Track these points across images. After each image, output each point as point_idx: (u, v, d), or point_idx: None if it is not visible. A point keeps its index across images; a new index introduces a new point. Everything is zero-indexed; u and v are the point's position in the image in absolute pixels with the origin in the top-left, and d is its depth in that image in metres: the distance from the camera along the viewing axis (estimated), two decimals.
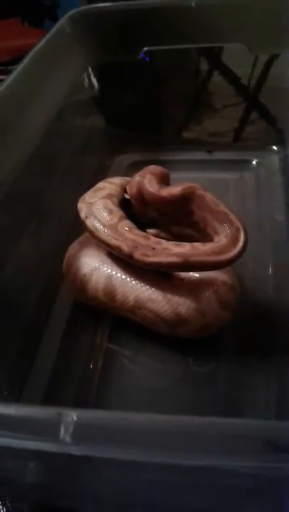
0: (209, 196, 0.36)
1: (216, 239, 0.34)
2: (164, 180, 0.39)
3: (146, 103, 0.62)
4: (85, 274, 0.39)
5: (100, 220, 0.37)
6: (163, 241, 0.35)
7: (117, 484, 0.19)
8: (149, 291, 0.36)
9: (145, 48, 0.56)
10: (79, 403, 0.36)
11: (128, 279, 0.37)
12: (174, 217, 0.37)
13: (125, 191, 0.41)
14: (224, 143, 0.62)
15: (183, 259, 0.33)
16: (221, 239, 0.34)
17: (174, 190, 0.36)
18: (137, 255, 0.35)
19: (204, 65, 0.65)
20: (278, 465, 0.17)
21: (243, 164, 0.58)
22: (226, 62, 0.61)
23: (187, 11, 0.53)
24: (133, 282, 0.37)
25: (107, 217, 0.37)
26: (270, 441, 0.17)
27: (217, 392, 0.35)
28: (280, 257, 0.45)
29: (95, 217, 0.38)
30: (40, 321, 0.41)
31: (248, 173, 0.57)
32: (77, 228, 0.43)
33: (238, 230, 0.34)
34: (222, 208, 0.34)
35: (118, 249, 0.36)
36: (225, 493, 0.20)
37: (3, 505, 0.26)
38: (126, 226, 0.36)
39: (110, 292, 0.38)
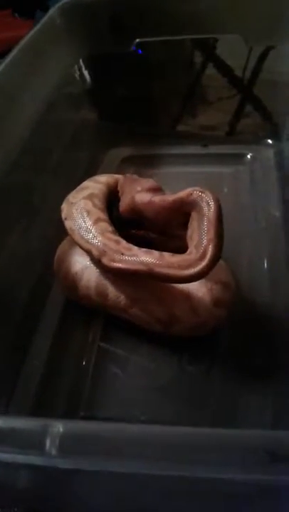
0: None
1: (189, 249, 0.33)
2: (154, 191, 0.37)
3: (140, 96, 0.60)
4: (76, 273, 0.38)
5: (76, 222, 0.37)
6: (134, 247, 0.34)
7: (106, 494, 0.18)
8: (141, 289, 0.35)
9: (137, 40, 0.55)
10: (71, 402, 0.35)
11: (120, 277, 0.36)
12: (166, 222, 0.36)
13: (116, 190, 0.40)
14: (219, 136, 0.61)
15: (147, 268, 0.32)
16: (192, 251, 0.32)
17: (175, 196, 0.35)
18: (105, 260, 0.34)
19: (198, 57, 0.64)
20: (276, 476, 0.16)
21: (238, 158, 0.57)
22: (221, 55, 0.60)
23: (181, 1, 0.52)
24: (125, 280, 0.36)
25: (83, 219, 0.36)
26: (268, 451, 0.16)
27: (211, 391, 0.34)
28: (275, 253, 0.45)
29: (72, 219, 0.37)
30: (32, 318, 0.40)
31: (243, 167, 0.56)
32: None
33: (209, 243, 0.31)
34: (211, 215, 0.32)
35: (89, 252, 0.35)
36: (219, 502, 0.19)
37: None
38: (100, 229, 0.35)
39: (102, 291, 0.37)
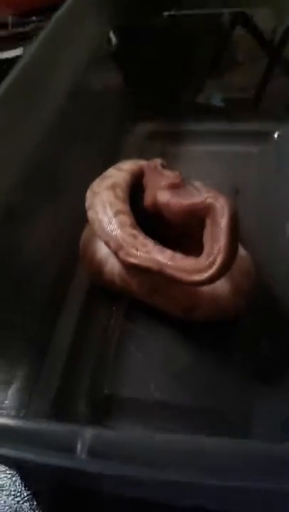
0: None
1: (202, 255, 0.33)
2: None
3: (169, 70, 0.59)
4: (100, 259, 0.39)
5: (97, 213, 0.37)
6: (150, 244, 0.35)
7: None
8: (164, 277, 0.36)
9: (166, 13, 0.54)
10: (95, 380, 0.38)
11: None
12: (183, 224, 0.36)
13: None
14: (245, 110, 0.60)
15: (158, 267, 0.33)
16: (203, 257, 0.33)
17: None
18: (121, 254, 0.35)
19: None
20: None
21: (264, 137, 0.57)
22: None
23: None
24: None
25: (105, 211, 0.37)
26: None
27: (230, 378, 0.36)
28: None
29: (94, 210, 0.38)
30: (58, 299, 0.42)
31: (269, 147, 0.56)
32: None
33: (220, 252, 0.31)
34: (224, 224, 0.32)
35: (107, 244, 0.36)
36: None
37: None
38: (120, 222, 0.36)
39: (126, 277, 0.38)
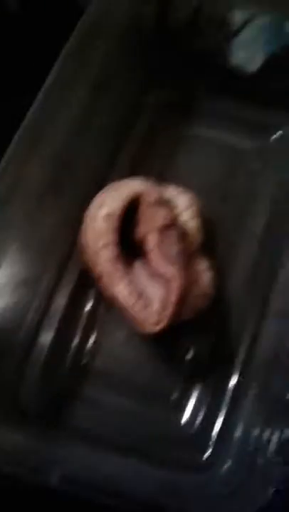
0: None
1: (155, 308, 0.43)
2: None
3: None
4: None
5: (87, 241, 0.46)
6: (123, 281, 0.44)
7: None
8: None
9: None
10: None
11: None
12: None
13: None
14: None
15: (124, 306, 0.44)
16: (155, 311, 0.43)
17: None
18: (100, 284, 0.45)
19: None
20: None
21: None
22: None
23: None
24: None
25: (94, 241, 0.45)
26: None
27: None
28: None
29: (86, 236, 0.46)
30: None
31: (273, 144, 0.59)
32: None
33: (165, 317, 0.42)
34: (173, 299, 0.42)
35: (91, 270, 0.46)
36: None
37: None
38: (105, 254, 0.44)
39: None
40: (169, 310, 0.42)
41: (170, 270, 0.42)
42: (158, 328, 0.42)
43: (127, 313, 0.44)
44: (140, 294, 0.44)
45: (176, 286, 0.41)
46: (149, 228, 0.45)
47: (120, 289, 0.44)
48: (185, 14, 0.57)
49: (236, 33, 0.58)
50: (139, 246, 0.46)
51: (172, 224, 0.45)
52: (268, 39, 0.59)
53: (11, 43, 0.66)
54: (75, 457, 0.43)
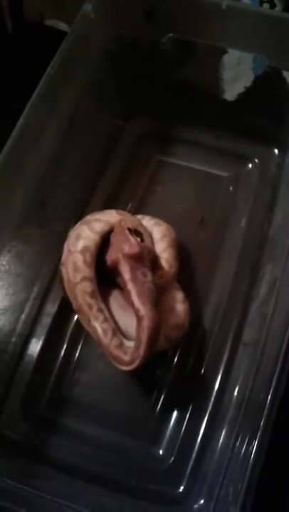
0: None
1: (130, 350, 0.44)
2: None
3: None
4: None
5: (68, 274, 0.46)
6: (100, 317, 0.45)
7: None
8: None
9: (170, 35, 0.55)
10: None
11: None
12: None
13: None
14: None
15: (100, 344, 0.45)
16: (129, 353, 0.44)
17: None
18: (78, 316, 0.47)
19: None
20: None
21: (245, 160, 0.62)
22: None
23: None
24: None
25: (73, 275, 0.46)
26: None
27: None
28: None
29: (66, 268, 0.47)
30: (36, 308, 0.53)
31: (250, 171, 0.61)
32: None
33: (138, 357, 0.43)
34: (144, 338, 0.42)
35: (70, 301, 0.47)
36: None
37: None
38: (81, 289, 0.45)
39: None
40: (141, 350, 0.42)
41: (142, 309, 0.43)
42: (132, 367, 0.43)
43: (103, 349, 0.45)
44: (114, 331, 0.45)
45: (146, 326, 0.42)
46: (117, 255, 0.45)
47: (96, 326, 0.45)
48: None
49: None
50: (112, 273, 0.47)
51: (141, 253, 0.46)
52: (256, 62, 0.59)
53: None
54: (51, 488, 0.43)
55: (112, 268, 0.47)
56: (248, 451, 0.39)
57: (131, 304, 0.44)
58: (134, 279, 0.44)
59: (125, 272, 0.45)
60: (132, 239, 0.46)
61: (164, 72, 0.59)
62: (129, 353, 0.44)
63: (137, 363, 0.43)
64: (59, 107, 0.52)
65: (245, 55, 0.55)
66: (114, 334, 0.45)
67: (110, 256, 0.47)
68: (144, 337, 0.42)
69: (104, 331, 0.45)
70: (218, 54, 0.56)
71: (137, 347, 0.43)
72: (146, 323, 0.42)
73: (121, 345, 0.44)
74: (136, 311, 0.43)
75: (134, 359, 0.43)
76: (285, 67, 0.54)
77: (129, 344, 0.44)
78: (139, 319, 0.43)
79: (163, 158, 0.62)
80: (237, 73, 0.58)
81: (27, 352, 0.51)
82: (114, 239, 0.48)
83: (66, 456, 0.47)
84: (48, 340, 0.52)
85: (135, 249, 0.45)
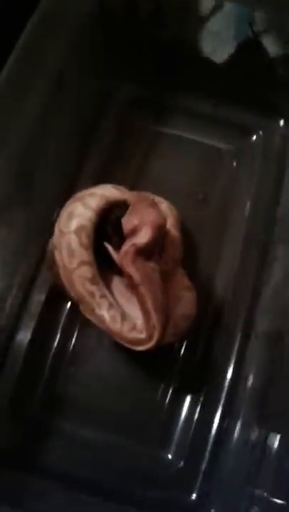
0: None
1: (140, 323, 0.39)
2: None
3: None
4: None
5: (62, 259, 0.40)
6: (105, 303, 0.40)
7: None
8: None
9: None
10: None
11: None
12: None
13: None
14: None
15: (108, 332, 0.40)
16: (142, 329, 0.39)
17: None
18: (80, 308, 0.41)
19: None
20: None
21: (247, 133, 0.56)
22: None
23: None
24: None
25: (69, 260, 0.40)
26: None
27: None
28: None
29: (59, 252, 0.41)
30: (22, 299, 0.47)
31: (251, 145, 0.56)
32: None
33: (155, 328, 0.39)
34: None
35: (68, 293, 0.41)
36: None
37: None
38: (81, 275, 0.40)
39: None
40: (154, 319, 0.38)
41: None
42: (152, 342, 0.39)
43: (115, 337, 0.40)
44: (123, 316, 0.40)
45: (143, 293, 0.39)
46: (140, 221, 0.40)
47: (103, 314, 0.40)
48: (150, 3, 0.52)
49: (204, 21, 0.53)
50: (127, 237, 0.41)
51: (164, 225, 0.41)
52: (237, 29, 0.54)
53: None
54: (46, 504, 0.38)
55: (128, 234, 0.41)
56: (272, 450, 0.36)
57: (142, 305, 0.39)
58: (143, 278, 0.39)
59: (133, 272, 0.39)
60: (158, 209, 0.42)
61: (151, 35, 0.54)
62: (143, 329, 0.39)
63: (156, 335, 0.38)
64: (45, 65, 0.46)
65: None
66: (123, 319, 0.40)
67: (131, 221, 0.40)
68: (150, 303, 0.38)
69: (113, 318, 0.40)
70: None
71: (147, 319, 0.39)
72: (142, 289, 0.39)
73: (134, 327, 0.40)
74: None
75: (151, 333, 0.39)
76: None
77: (142, 324, 0.40)
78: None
79: (157, 128, 0.56)
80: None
81: (13, 346, 0.46)
82: (136, 206, 0.42)
83: (62, 464, 0.42)
84: (37, 332, 0.46)
85: (160, 220, 0.40)
